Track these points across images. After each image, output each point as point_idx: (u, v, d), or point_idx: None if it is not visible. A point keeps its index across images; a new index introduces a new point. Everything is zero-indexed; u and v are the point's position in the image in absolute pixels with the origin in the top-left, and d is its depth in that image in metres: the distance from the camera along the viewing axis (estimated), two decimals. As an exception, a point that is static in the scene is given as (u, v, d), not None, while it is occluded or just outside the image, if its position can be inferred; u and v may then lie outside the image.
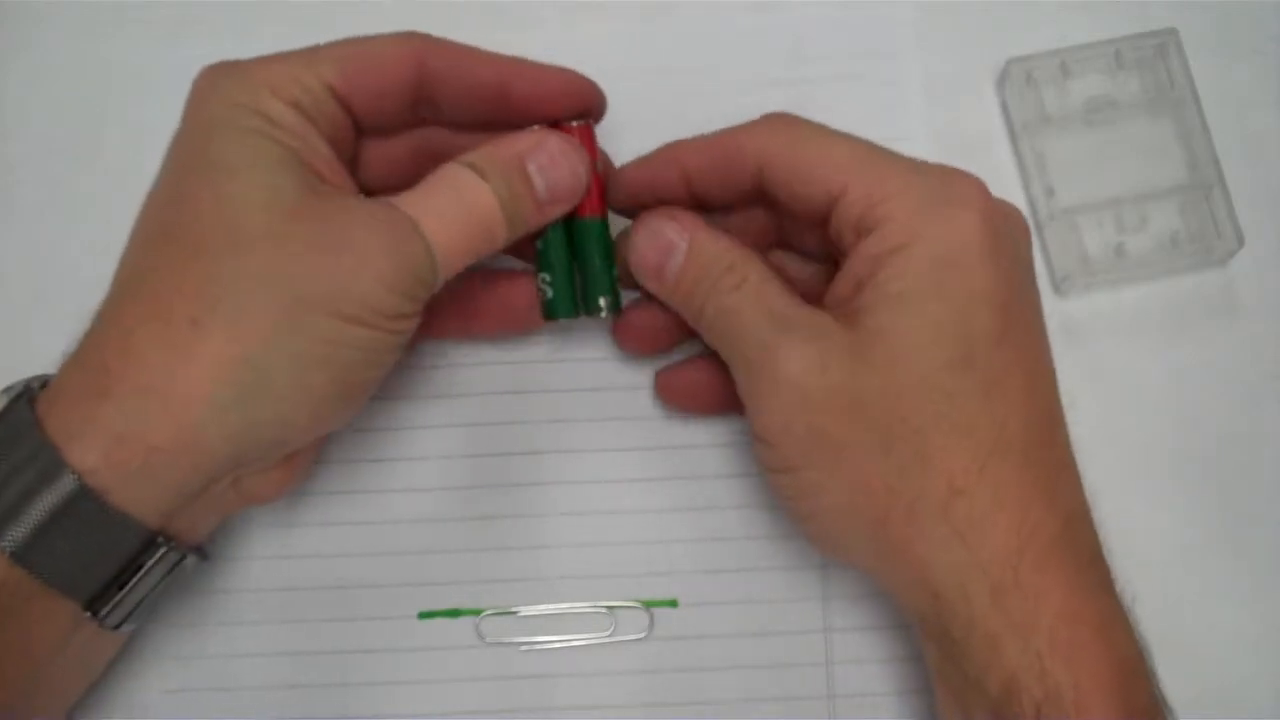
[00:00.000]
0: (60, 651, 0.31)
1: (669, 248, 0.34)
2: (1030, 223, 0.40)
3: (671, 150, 0.34)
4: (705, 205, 0.35)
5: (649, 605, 0.37)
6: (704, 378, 0.37)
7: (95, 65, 0.42)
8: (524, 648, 0.37)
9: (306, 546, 0.37)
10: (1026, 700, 0.28)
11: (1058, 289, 0.40)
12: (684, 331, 0.36)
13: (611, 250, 0.36)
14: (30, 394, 0.30)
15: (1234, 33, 0.42)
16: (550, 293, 0.35)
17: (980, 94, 0.42)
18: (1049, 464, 0.30)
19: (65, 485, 0.28)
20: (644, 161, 0.35)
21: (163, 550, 0.30)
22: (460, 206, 0.32)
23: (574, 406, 0.39)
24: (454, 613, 0.37)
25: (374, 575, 0.37)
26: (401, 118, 0.34)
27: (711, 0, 0.42)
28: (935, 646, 0.31)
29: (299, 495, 0.38)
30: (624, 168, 0.35)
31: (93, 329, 0.30)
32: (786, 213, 0.34)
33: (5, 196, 0.41)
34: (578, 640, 0.37)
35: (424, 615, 0.37)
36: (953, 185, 0.31)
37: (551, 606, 0.37)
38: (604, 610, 0.37)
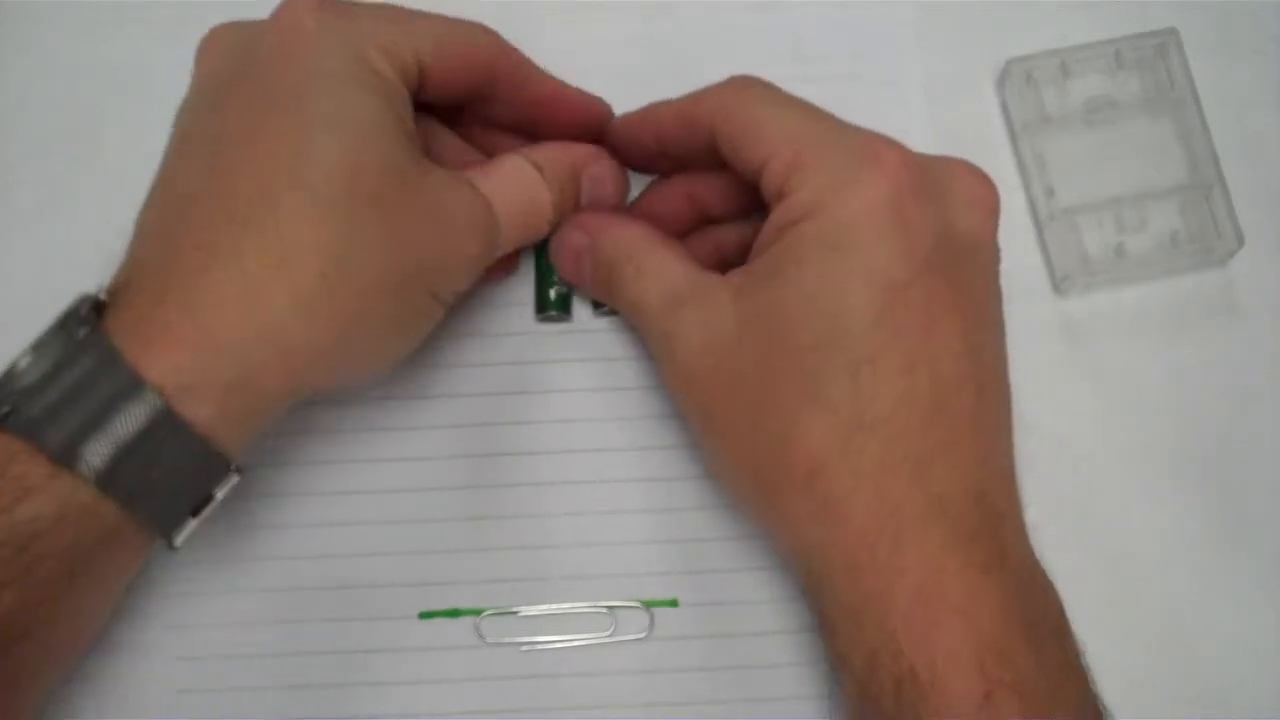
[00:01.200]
0: (130, 575, 0.31)
1: (577, 251, 0.36)
2: (1030, 223, 0.40)
3: (651, 110, 0.36)
4: (677, 163, 0.37)
5: (649, 605, 0.37)
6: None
7: (95, 65, 0.42)
8: (524, 648, 0.37)
9: (307, 546, 0.37)
10: (885, 676, 0.29)
11: (1058, 289, 0.40)
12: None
13: None
14: (97, 322, 0.28)
15: (1234, 33, 0.42)
16: (565, 288, 0.38)
17: (980, 94, 0.42)
18: (923, 444, 0.30)
19: (176, 431, 0.28)
20: (627, 121, 0.37)
21: (236, 479, 0.31)
22: (524, 199, 0.35)
23: (574, 406, 0.39)
24: (454, 613, 0.37)
25: (374, 575, 0.37)
26: (454, 103, 0.35)
27: (711, 0, 0.42)
28: (815, 620, 0.32)
29: (299, 495, 0.38)
30: (614, 122, 0.38)
31: (177, 261, 0.29)
32: (737, 172, 0.34)
33: (5, 196, 0.41)
34: (578, 640, 0.37)
35: (424, 615, 0.37)
36: (869, 156, 0.31)
37: (552, 606, 0.37)
38: (604, 610, 0.37)
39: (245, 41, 0.31)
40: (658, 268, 0.34)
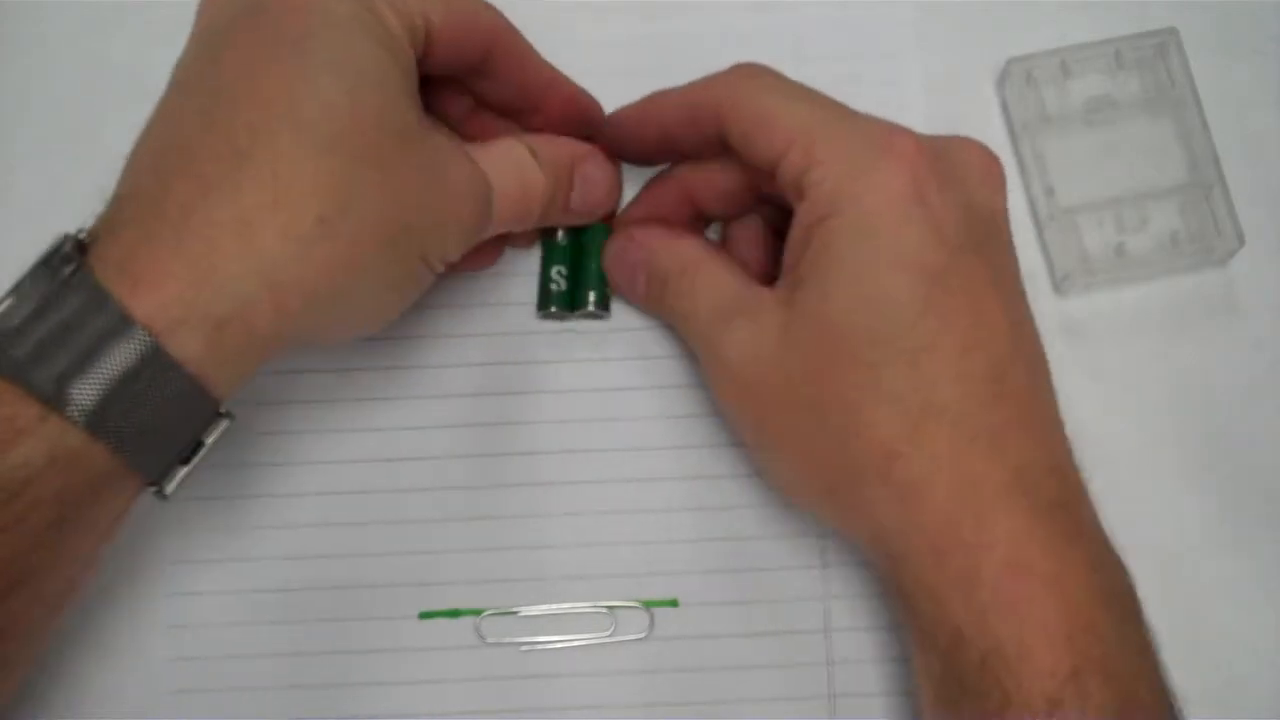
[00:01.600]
0: (121, 522, 0.30)
1: (634, 266, 0.37)
2: (1030, 222, 0.40)
3: (653, 101, 0.36)
4: (678, 154, 0.37)
5: (649, 605, 0.37)
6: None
7: (95, 65, 0.42)
8: (524, 648, 0.37)
9: (307, 547, 0.37)
10: (972, 651, 0.29)
11: (1058, 288, 0.40)
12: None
13: None
14: (83, 260, 0.28)
15: (1234, 32, 0.42)
16: (563, 285, 0.38)
17: (980, 94, 0.42)
18: (992, 421, 0.30)
19: (165, 370, 0.27)
20: (628, 113, 0.37)
21: (226, 424, 0.30)
22: (518, 182, 0.35)
23: (574, 407, 0.39)
24: (454, 613, 0.37)
25: (374, 575, 0.37)
26: (454, 73, 0.35)
27: (711, 0, 0.42)
28: (895, 601, 0.32)
29: (299, 495, 0.38)
30: (611, 115, 0.38)
31: (170, 195, 0.28)
32: (748, 164, 0.34)
33: (5, 196, 0.41)
34: (578, 640, 0.37)
35: (424, 615, 0.37)
36: (884, 144, 0.31)
37: (552, 606, 0.37)
38: (604, 610, 0.37)
39: None
40: (709, 281, 0.35)
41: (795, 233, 0.32)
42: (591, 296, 0.38)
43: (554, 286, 0.38)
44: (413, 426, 0.38)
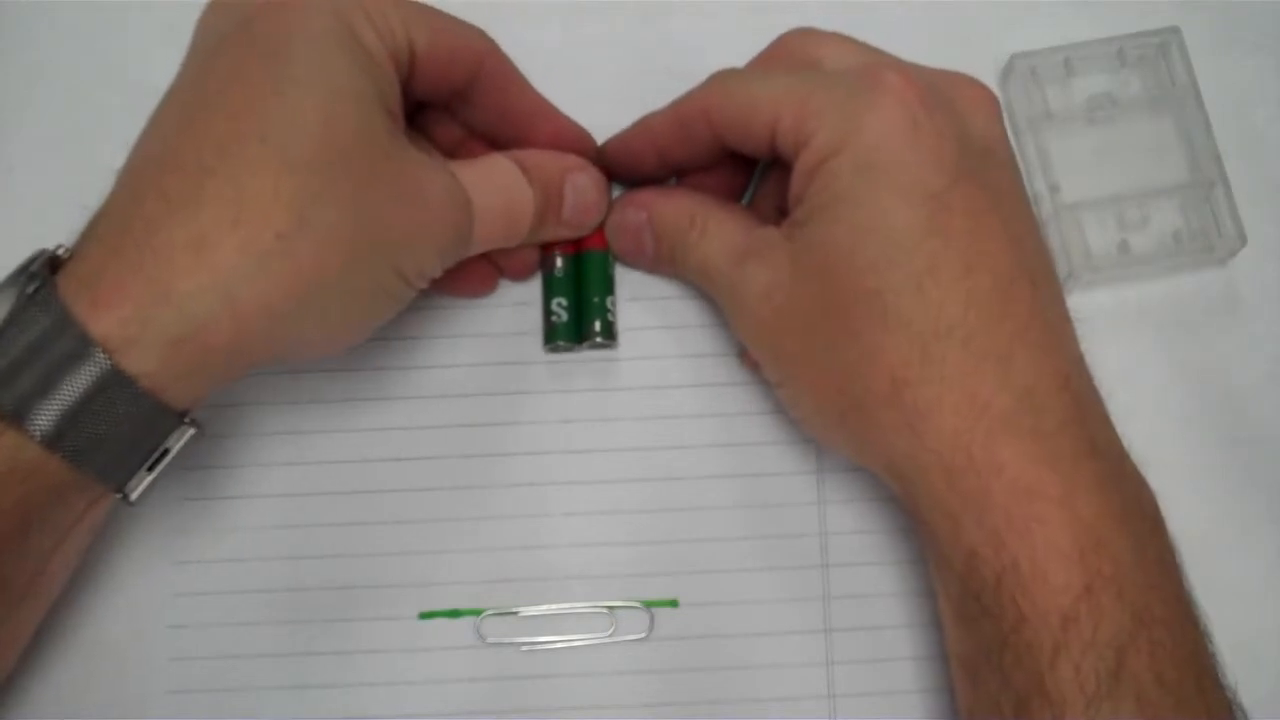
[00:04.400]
0: (92, 524, 0.31)
1: (637, 228, 0.37)
2: (1034, 212, 0.40)
3: (642, 124, 0.37)
4: (677, 170, 0.38)
5: (649, 605, 0.37)
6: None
7: (95, 65, 0.42)
8: (525, 648, 0.37)
9: (307, 546, 0.37)
10: (987, 571, 0.29)
11: (1062, 284, 0.40)
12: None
13: (610, 281, 0.38)
14: (49, 278, 0.28)
15: (1236, 31, 0.42)
16: (565, 316, 0.38)
17: (983, 91, 0.42)
18: (999, 341, 0.30)
19: (122, 387, 0.28)
20: (621, 139, 0.37)
21: (191, 432, 0.30)
22: (504, 199, 0.35)
23: (574, 407, 0.39)
24: (454, 613, 0.37)
25: (374, 575, 0.37)
26: (437, 99, 0.35)
27: (711, 1, 0.42)
28: (912, 525, 0.33)
29: (299, 495, 0.38)
30: (605, 144, 0.38)
31: (138, 212, 0.29)
32: (751, 157, 0.35)
33: (5, 196, 0.41)
34: (578, 640, 0.37)
35: (424, 615, 0.37)
36: (872, 83, 0.31)
37: (552, 607, 0.37)
38: (604, 610, 0.37)
39: (241, 7, 0.31)
40: (719, 227, 0.35)
41: (797, 177, 0.32)
42: (597, 326, 0.38)
43: (555, 319, 0.38)
44: (413, 426, 0.38)
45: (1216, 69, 0.40)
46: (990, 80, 0.41)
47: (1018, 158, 0.40)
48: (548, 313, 0.38)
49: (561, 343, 0.38)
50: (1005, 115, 0.41)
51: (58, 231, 0.40)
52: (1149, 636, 0.28)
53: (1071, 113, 0.41)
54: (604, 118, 0.38)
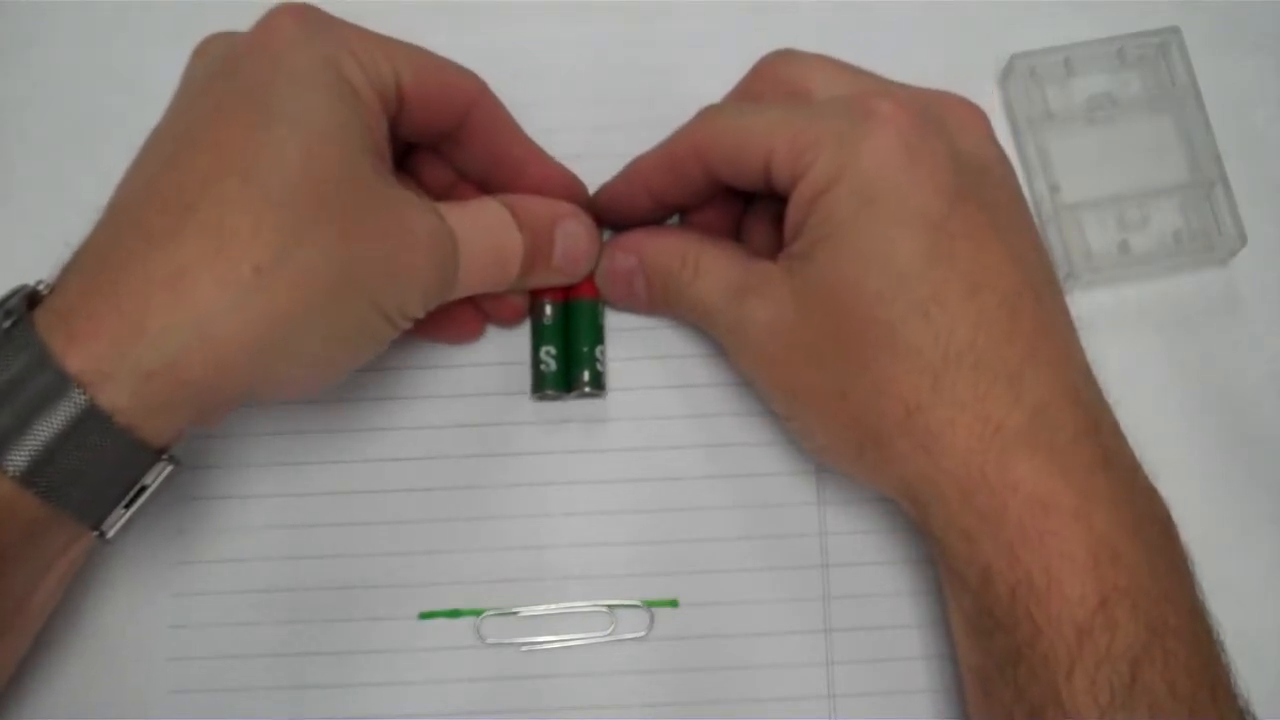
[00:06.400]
0: (69, 560, 0.31)
1: (628, 273, 0.37)
2: (1035, 220, 0.40)
3: (633, 167, 0.36)
4: (672, 210, 0.37)
5: (649, 605, 0.37)
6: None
7: (95, 65, 0.42)
8: (524, 648, 0.37)
9: (307, 546, 0.37)
10: (1001, 585, 0.29)
11: (1062, 284, 0.40)
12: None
13: (600, 330, 0.38)
14: (26, 314, 0.28)
15: (1236, 31, 0.42)
16: (554, 365, 0.38)
17: (983, 91, 0.41)
18: (1009, 361, 0.30)
19: (97, 422, 0.28)
20: (612, 185, 0.37)
21: (168, 469, 0.30)
22: (491, 241, 0.34)
23: (574, 407, 0.39)
24: (454, 613, 0.37)
25: (374, 575, 0.37)
26: (426, 140, 0.35)
27: (710, 1, 0.42)
28: (928, 546, 0.33)
29: (299, 495, 0.38)
30: (598, 193, 0.38)
31: (118, 247, 0.29)
32: (747, 191, 0.35)
33: (6, 197, 0.41)
34: (578, 640, 0.37)
35: (424, 615, 0.37)
36: (866, 112, 0.31)
37: (552, 606, 0.37)
38: (604, 610, 0.37)
39: (228, 48, 0.31)
40: (712, 264, 0.35)
41: (794, 209, 0.32)
42: (585, 375, 0.37)
43: (544, 367, 0.37)
44: (413, 426, 0.38)
45: (1216, 69, 0.40)
46: (990, 80, 0.42)
47: (1017, 160, 0.41)
48: (536, 361, 0.38)
49: (550, 391, 0.38)
50: (1005, 116, 0.41)
51: (57, 232, 0.40)
52: (1163, 647, 0.28)
53: (1071, 113, 0.41)
54: (593, 119, 0.38)
